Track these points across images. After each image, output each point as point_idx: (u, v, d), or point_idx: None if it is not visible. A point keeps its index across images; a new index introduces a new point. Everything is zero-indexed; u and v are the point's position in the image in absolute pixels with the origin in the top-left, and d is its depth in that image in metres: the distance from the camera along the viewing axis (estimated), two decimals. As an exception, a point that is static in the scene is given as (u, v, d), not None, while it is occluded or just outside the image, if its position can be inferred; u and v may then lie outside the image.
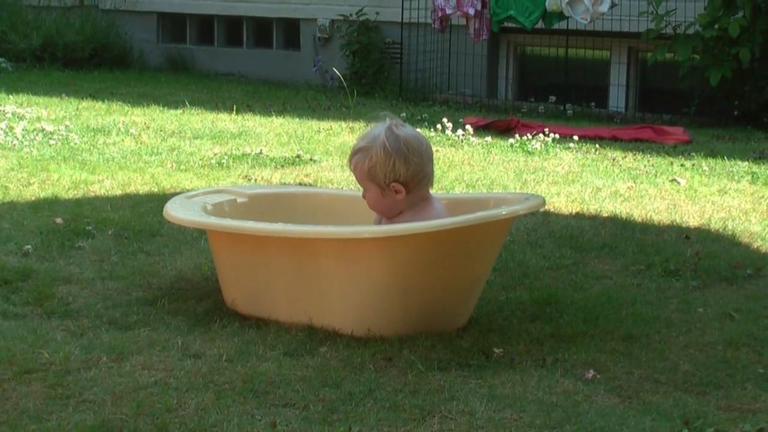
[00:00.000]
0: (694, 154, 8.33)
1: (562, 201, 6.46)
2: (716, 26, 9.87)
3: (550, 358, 3.81)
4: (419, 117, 9.89)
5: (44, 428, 3.16)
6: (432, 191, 4.17)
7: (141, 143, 8.15)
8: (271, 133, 8.88)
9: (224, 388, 3.48)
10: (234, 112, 9.95)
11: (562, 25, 10.89)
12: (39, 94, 10.75)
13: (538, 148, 8.24)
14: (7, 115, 9.02)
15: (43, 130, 8.35)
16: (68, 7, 14.26)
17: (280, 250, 4.09)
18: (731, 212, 6.30)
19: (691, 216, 6.18)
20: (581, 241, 5.49)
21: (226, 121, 9.50)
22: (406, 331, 3.95)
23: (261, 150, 7.84)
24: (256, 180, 6.85)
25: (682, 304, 4.53)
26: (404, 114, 10.00)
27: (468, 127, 8.88)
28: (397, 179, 4.03)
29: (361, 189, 4.16)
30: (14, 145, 7.77)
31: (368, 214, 4.27)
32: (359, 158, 4.08)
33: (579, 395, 3.49)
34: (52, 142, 7.94)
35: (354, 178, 4.18)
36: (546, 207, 6.04)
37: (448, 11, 11.23)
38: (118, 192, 6.42)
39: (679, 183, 7.14)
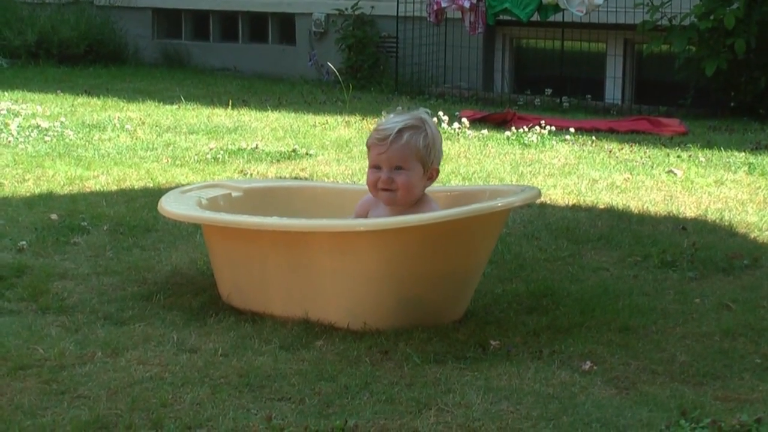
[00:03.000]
0: (690, 145, 8.32)
1: (558, 193, 6.45)
2: (711, 17, 9.86)
3: (546, 350, 3.80)
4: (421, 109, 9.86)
5: (39, 424, 3.14)
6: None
7: (136, 139, 8.14)
8: (266, 127, 8.87)
9: (220, 382, 3.47)
10: (229, 107, 9.94)
11: (558, 17, 10.88)
12: (34, 91, 10.74)
13: (535, 141, 8.23)
14: (2, 112, 9.00)
15: (38, 126, 8.34)
16: (63, 4, 14.25)
17: (275, 244, 4.08)
18: (728, 203, 6.29)
19: (687, 207, 6.17)
20: (578, 232, 5.48)
21: (222, 116, 9.49)
22: (402, 324, 3.94)
23: (257, 145, 7.82)
24: (251, 175, 6.84)
25: (678, 295, 4.52)
26: (400, 108, 9.96)
27: (464, 120, 8.86)
28: (437, 164, 4.10)
29: (382, 171, 4.03)
30: (9, 141, 7.76)
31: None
32: (412, 135, 4.02)
33: (576, 387, 3.48)
34: (47, 138, 7.93)
35: (386, 154, 4.02)
36: (542, 199, 6.03)
37: (444, 4, 11.21)
38: (114, 187, 6.41)
39: (675, 174, 7.13)
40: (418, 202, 4.09)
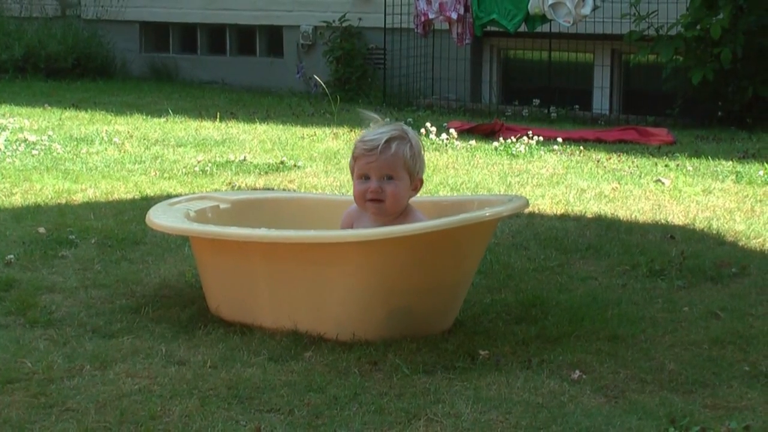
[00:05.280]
0: (678, 154, 8.34)
1: (546, 203, 6.45)
2: (698, 27, 9.90)
3: (535, 360, 3.80)
4: (403, 122, 9.87)
5: (27, 438, 3.14)
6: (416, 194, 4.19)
7: (124, 152, 8.13)
8: (254, 140, 8.87)
9: (209, 394, 3.46)
10: (217, 119, 9.94)
11: (545, 28, 10.90)
12: (21, 105, 10.73)
13: (523, 151, 8.24)
14: (-11, 126, 8.99)
15: (25, 140, 8.32)
16: (50, 18, 14.24)
17: (263, 255, 4.07)
18: (716, 212, 6.30)
19: (675, 216, 6.18)
20: (566, 242, 5.49)
21: (210, 128, 9.49)
22: (391, 335, 3.93)
23: (245, 157, 7.82)
24: (240, 187, 6.83)
25: (667, 304, 4.52)
26: (388, 119, 9.96)
27: (452, 131, 8.88)
28: (422, 175, 4.12)
29: (372, 180, 4.04)
30: (-4, 155, 7.75)
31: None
32: (400, 145, 4.04)
33: (565, 396, 3.48)
34: (34, 152, 7.91)
35: (376, 164, 4.02)
36: (531, 209, 6.04)
37: (431, 16, 11.23)
38: (102, 201, 6.40)
39: (663, 183, 7.15)
40: (403, 213, 4.10)
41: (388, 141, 4.04)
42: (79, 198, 6.44)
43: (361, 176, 4.09)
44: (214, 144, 8.59)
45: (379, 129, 4.11)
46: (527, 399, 3.44)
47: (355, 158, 4.12)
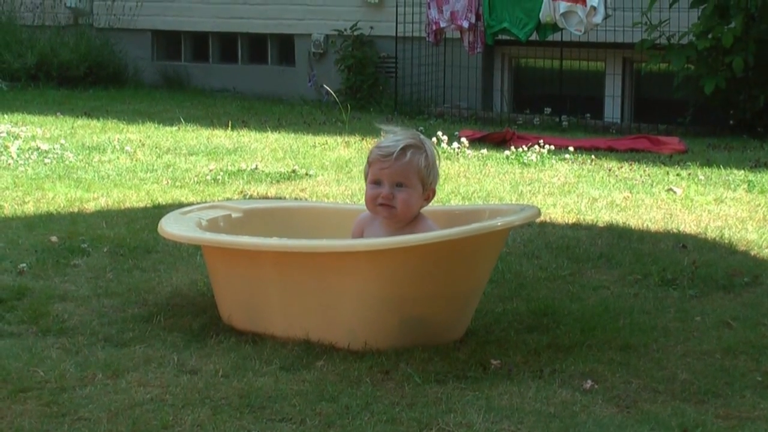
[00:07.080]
0: (690, 163, 8.33)
1: (558, 212, 6.45)
2: (710, 36, 9.89)
3: (547, 369, 3.79)
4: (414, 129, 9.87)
5: (39, 446, 3.14)
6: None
7: (136, 160, 8.15)
8: (266, 148, 8.88)
9: (220, 403, 3.46)
10: (229, 128, 9.95)
11: (557, 36, 10.91)
12: (34, 113, 10.75)
13: (534, 160, 8.23)
14: (1, 135, 9.00)
15: (38, 148, 8.34)
16: (62, 26, 14.27)
17: (275, 264, 4.08)
18: (728, 221, 6.29)
19: (687, 225, 6.17)
20: (578, 251, 5.48)
21: (222, 137, 9.50)
22: (403, 344, 3.93)
23: (256, 165, 7.83)
24: (251, 196, 6.84)
25: (679, 313, 4.51)
26: (400, 128, 9.96)
27: (463, 139, 8.87)
28: (435, 185, 4.13)
29: (384, 186, 4.04)
30: (9, 164, 7.77)
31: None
32: (414, 154, 4.05)
33: (577, 406, 3.47)
34: (47, 160, 7.93)
35: (389, 170, 4.03)
36: (542, 218, 6.03)
37: (443, 24, 11.24)
38: (114, 209, 6.41)
39: (675, 192, 7.14)
40: (414, 221, 4.11)
41: (404, 149, 4.05)
42: (91, 207, 6.45)
43: (373, 181, 4.10)
44: (225, 152, 8.60)
45: (395, 136, 4.13)
46: (539, 409, 3.44)
47: (369, 163, 4.13)
